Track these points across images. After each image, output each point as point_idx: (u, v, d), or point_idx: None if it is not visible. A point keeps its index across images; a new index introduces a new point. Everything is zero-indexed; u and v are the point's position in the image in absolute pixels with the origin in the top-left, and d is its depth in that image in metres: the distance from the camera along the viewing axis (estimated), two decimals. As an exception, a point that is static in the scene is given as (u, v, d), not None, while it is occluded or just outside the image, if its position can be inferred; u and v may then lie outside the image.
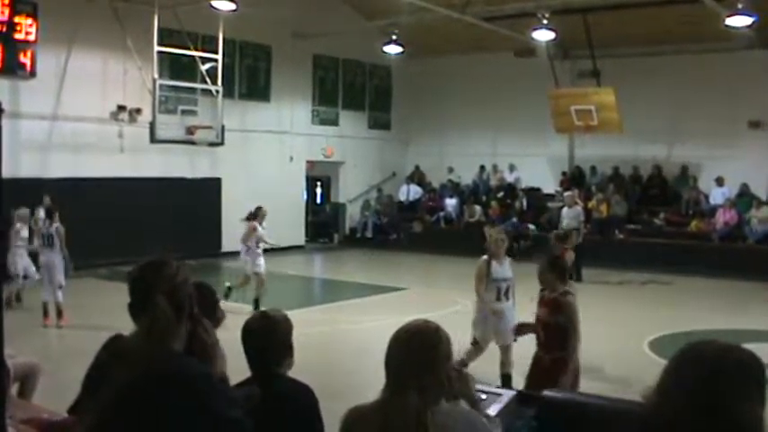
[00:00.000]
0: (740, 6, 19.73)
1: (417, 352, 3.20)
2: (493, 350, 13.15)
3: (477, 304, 11.26)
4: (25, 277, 16.39)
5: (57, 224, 15.48)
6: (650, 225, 26.43)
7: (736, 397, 2.39)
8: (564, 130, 26.72)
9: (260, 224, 17.44)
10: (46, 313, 14.96)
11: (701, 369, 2.46)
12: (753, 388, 2.44)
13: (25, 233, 16.53)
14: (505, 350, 10.86)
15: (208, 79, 23.54)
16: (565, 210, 22.99)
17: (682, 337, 14.13)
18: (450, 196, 30.30)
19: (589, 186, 28.10)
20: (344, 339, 14.59)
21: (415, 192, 31.54)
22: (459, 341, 12.79)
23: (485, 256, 11.16)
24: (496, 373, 10.54)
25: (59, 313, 14.97)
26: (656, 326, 15.29)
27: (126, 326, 3.25)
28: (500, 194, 29.67)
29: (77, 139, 21.97)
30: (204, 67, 23.62)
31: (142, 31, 21.79)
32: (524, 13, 23.57)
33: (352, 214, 31.27)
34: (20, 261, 16.29)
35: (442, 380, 3.20)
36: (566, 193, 23.81)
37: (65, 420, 5.32)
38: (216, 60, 23.44)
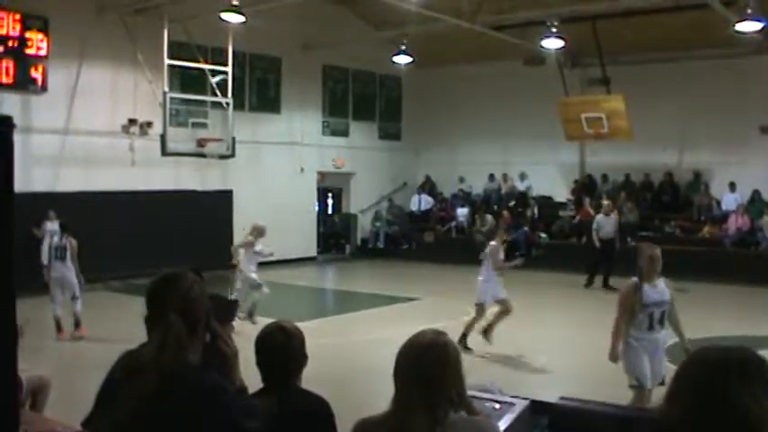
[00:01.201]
0: (749, 12, 19.71)
1: (426, 369, 3.16)
2: (500, 359, 13.16)
3: (612, 336, 9.69)
4: None
5: (69, 237, 15.49)
6: (662, 232, 26.37)
7: (742, 394, 2.44)
8: (574, 137, 26.70)
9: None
10: (59, 328, 14.96)
11: (706, 369, 2.52)
12: (758, 384, 2.49)
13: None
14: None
15: (218, 92, 23.61)
16: (601, 217, 22.86)
17: (695, 343, 14.05)
18: (462, 206, 30.31)
19: (600, 194, 28.05)
20: (357, 350, 14.57)
21: (426, 202, 31.54)
22: (476, 348, 12.83)
23: (634, 278, 9.44)
24: (509, 381, 10.50)
25: (77, 324, 14.99)
26: (668, 333, 15.21)
27: (139, 338, 3.26)
28: (511, 203, 29.65)
29: (89, 152, 22.01)
30: (214, 80, 23.69)
31: (152, 45, 21.89)
32: (533, 22, 23.63)
33: (364, 225, 31.27)
34: None
35: (451, 394, 3.17)
36: (604, 202, 23.58)
37: (77, 433, 5.33)
38: (226, 73, 23.51)
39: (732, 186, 25.89)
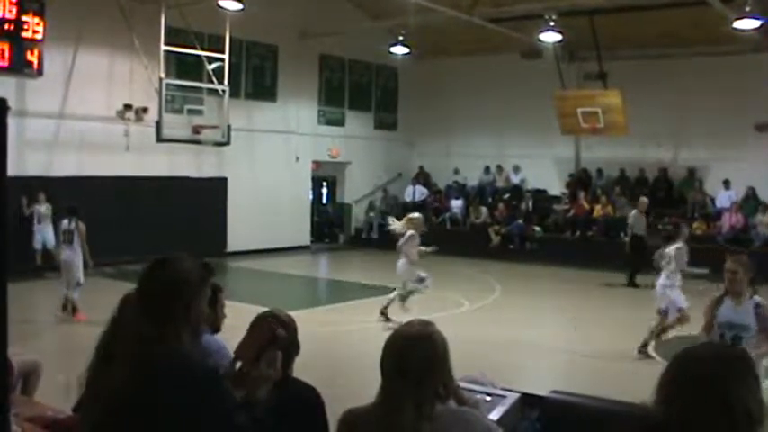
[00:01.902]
0: (748, 9, 19.71)
1: (412, 360, 3.14)
2: (492, 351, 13.19)
3: None
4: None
5: (78, 222, 15.47)
6: (656, 227, 26.39)
7: (742, 389, 2.47)
8: (570, 131, 26.70)
9: None
10: (74, 309, 15.11)
11: (706, 366, 2.53)
12: (752, 380, 2.54)
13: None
14: None
15: (214, 79, 23.55)
16: (636, 214, 22.43)
17: (688, 339, 14.10)
18: (456, 197, 30.30)
19: (595, 189, 28.10)
20: (348, 340, 14.58)
21: (420, 192, 31.52)
22: (465, 341, 12.84)
23: (721, 291, 8.28)
24: (500, 374, 10.51)
25: (74, 310, 15.02)
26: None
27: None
28: (506, 196, 29.68)
29: (84, 137, 21.97)
30: (210, 67, 23.63)
31: (149, 31, 21.82)
32: (531, 15, 23.58)
33: (358, 215, 31.27)
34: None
35: (437, 385, 3.16)
36: (641, 198, 23.13)
37: (69, 418, 5.32)
38: (222, 60, 23.44)
39: (726, 184, 25.92)
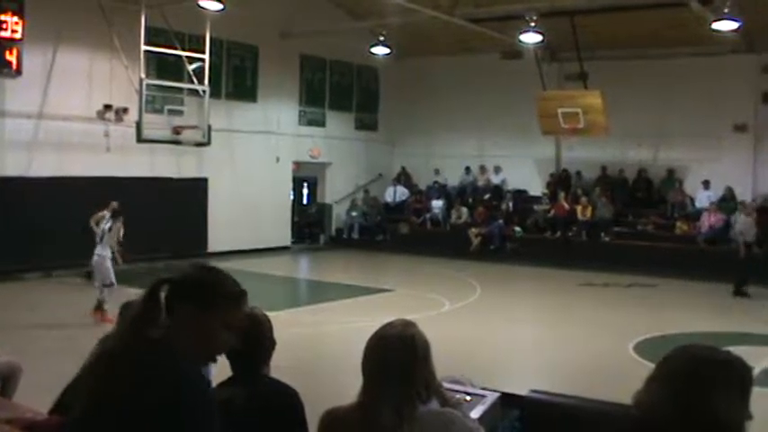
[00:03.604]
0: (726, 11, 19.81)
1: (393, 361, 3.14)
2: (473, 351, 13.24)
3: None
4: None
5: (115, 222, 15.70)
6: (636, 228, 26.51)
7: (717, 395, 2.44)
8: (551, 132, 26.73)
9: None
10: (97, 307, 14.92)
11: (684, 366, 2.52)
12: (736, 389, 2.49)
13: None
14: None
15: (194, 79, 23.49)
16: (744, 218, 21.37)
17: (667, 339, 14.18)
18: (437, 198, 30.31)
19: (576, 189, 28.18)
20: (329, 341, 14.57)
21: (401, 193, 31.54)
22: (445, 341, 12.82)
23: None
24: (481, 374, 10.53)
25: (97, 310, 14.80)
26: (641, 328, 15.33)
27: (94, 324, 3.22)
28: (486, 196, 29.72)
29: (63, 137, 21.84)
30: (191, 67, 23.57)
31: (129, 30, 21.74)
32: (512, 16, 23.62)
33: (339, 215, 31.25)
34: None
35: (418, 386, 3.15)
36: (747, 202, 22.44)
37: (48, 420, 5.29)
38: (203, 60, 23.38)
39: (706, 184, 26.05)
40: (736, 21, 20.21)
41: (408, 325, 3.28)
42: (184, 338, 2.92)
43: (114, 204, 16.78)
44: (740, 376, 2.52)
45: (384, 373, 3.12)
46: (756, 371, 11.92)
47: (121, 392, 2.81)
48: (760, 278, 20.45)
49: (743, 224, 20.80)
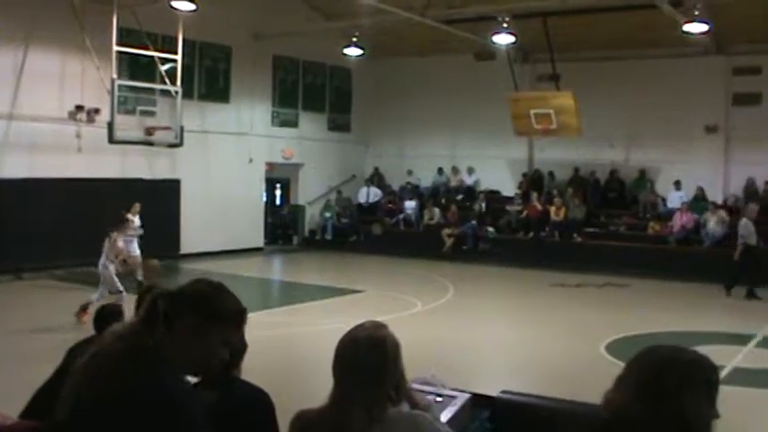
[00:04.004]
0: (697, 13, 19.95)
1: (363, 362, 3.14)
2: (445, 352, 13.26)
3: None
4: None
5: (115, 230, 15.53)
6: (608, 228, 26.63)
7: (684, 394, 2.46)
8: (523, 133, 26.82)
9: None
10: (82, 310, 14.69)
11: (651, 366, 2.54)
12: (702, 388, 2.52)
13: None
14: None
15: (167, 80, 23.42)
16: (746, 222, 20.71)
17: (639, 339, 14.25)
18: (410, 198, 30.32)
19: (549, 190, 28.29)
20: (301, 342, 14.54)
21: (374, 194, 31.54)
22: (417, 342, 12.84)
23: None
24: (452, 375, 10.55)
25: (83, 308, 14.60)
26: (613, 328, 15.41)
27: (84, 330, 3.21)
28: (459, 197, 29.77)
29: (34, 138, 21.68)
30: (163, 68, 23.49)
31: (101, 31, 21.61)
32: (484, 17, 23.67)
33: (312, 216, 31.22)
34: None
35: (388, 387, 3.15)
36: (751, 205, 21.87)
37: (18, 424, 5.26)
38: (175, 61, 23.32)
39: (677, 184, 26.22)
40: (706, 23, 20.36)
41: (379, 326, 3.28)
42: (180, 349, 2.91)
43: (123, 212, 16.81)
44: (707, 376, 2.55)
45: (354, 375, 3.13)
46: (727, 369, 12.05)
47: (107, 397, 2.79)
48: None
49: (744, 227, 20.51)
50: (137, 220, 18.33)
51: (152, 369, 2.83)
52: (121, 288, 15.00)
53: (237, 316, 3.10)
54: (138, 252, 18.29)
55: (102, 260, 15.29)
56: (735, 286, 20.20)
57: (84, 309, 14.60)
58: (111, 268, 15.23)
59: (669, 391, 2.46)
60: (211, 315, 2.99)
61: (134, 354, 2.86)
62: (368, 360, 3.13)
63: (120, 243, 15.82)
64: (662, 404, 2.46)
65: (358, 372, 3.12)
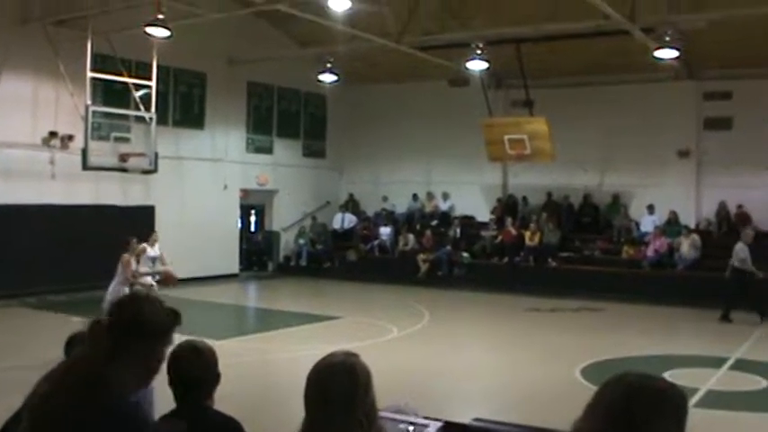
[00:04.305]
0: (668, 39, 20.12)
1: (332, 390, 3.13)
2: (419, 379, 13.24)
3: None
4: None
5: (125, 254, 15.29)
6: (583, 253, 26.72)
7: (653, 423, 2.45)
8: (497, 158, 26.93)
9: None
10: None
11: (620, 395, 2.52)
12: (671, 416, 2.50)
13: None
14: None
15: (141, 106, 23.35)
16: (742, 246, 20.55)
17: (614, 363, 14.29)
18: (385, 225, 30.33)
19: (523, 215, 28.39)
20: (275, 370, 14.47)
21: (349, 220, 31.51)
22: (392, 368, 12.83)
23: None
24: (426, 402, 10.53)
25: None
26: (588, 353, 15.43)
27: (55, 359, 3.20)
28: (434, 222, 29.80)
29: (8, 165, 21.56)
30: (138, 94, 23.43)
31: (75, 57, 21.55)
32: (459, 44, 23.79)
33: (287, 242, 31.15)
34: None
35: (359, 416, 3.15)
36: (746, 230, 21.55)
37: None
38: (149, 87, 23.26)
39: (650, 209, 26.36)
40: (677, 49, 20.54)
41: (350, 355, 3.29)
42: (124, 370, 3.00)
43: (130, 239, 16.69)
44: (675, 405, 2.54)
45: (325, 404, 3.13)
46: (701, 392, 12.10)
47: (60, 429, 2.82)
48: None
49: (741, 251, 20.38)
50: (154, 251, 17.92)
51: (103, 396, 2.90)
52: None
53: (170, 324, 3.25)
54: (151, 282, 17.83)
55: (114, 285, 15.10)
56: (732, 310, 20.02)
57: None
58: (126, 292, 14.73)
59: (638, 421, 2.46)
60: (151, 334, 3.15)
61: (84, 385, 2.93)
62: (338, 389, 3.14)
63: (134, 265, 15.58)
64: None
65: (328, 400, 3.13)
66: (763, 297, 19.99)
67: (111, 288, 15.11)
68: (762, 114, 24.80)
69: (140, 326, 3.13)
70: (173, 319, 3.28)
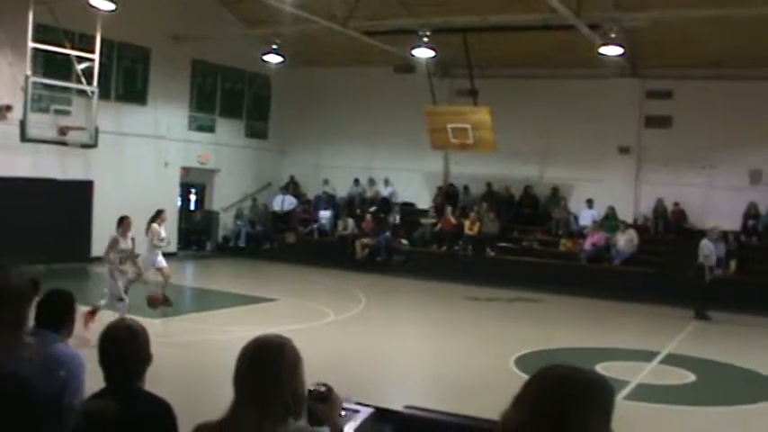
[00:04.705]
0: (613, 36, 20.31)
1: (260, 369, 3.16)
2: (353, 364, 13.25)
3: None
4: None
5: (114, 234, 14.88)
6: (521, 244, 26.88)
7: (579, 415, 2.45)
8: (440, 146, 27.00)
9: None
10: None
11: (548, 387, 2.52)
12: (598, 410, 2.51)
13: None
14: None
15: (83, 79, 23.03)
16: (707, 242, 20.72)
17: (548, 354, 14.42)
18: (325, 208, 30.29)
19: (463, 204, 28.50)
20: (210, 351, 14.30)
21: (289, 202, 31.40)
22: (326, 352, 12.83)
23: None
24: (359, 387, 10.54)
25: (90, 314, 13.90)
26: (523, 343, 15.54)
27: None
28: (374, 208, 29.78)
29: (-59, 134, 21.22)
30: (80, 67, 23.10)
31: (15, 26, 21.17)
32: (405, 30, 23.79)
33: (226, 223, 30.97)
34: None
35: (286, 398, 3.16)
36: (713, 228, 21.72)
37: None
38: (92, 60, 22.96)
39: (590, 203, 26.62)
40: (621, 46, 20.75)
41: (279, 337, 3.30)
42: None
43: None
44: (602, 397, 2.55)
45: (252, 383, 3.13)
46: (632, 385, 12.28)
47: None
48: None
49: (706, 247, 20.60)
50: (163, 231, 17.59)
51: None
52: (124, 296, 14.42)
53: (29, 288, 3.40)
54: (165, 264, 17.48)
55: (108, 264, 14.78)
56: (706, 308, 20.19)
57: (92, 313, 13.99)
58: (115, 272, 14.65)
59: (566, 413, 2.47)
60: (15, 300, 3.27)
61: None
62: (265, 368, 3.15)
63: (123, 244, 15.18)
64: (557, 426, 2.47)
65: (254, 377, 3.14)
66: (708, 296, 20.18)
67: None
68: (701, 114, 25.15)
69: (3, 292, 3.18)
70: (32, 287, 3.40)
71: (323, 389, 3.64)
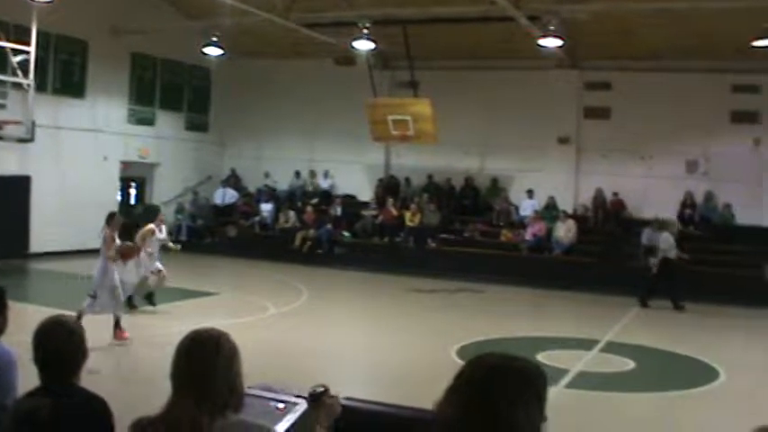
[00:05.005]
0: (552, 28, 20.47)
1: (196, 362, 3.16)
2: (294, 357, 13.25)
3: None
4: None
5: (107, 230, 14.55)
6: (462, 235, 27.01)
7: (511, 403, 2.47)
8: (380, 139, 27.03)
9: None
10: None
11: (480, 376, 2.54)
12: (531, 398, 2.53)
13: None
14: None
15: (19, 72, 22.65)
16: (666, 235, 20.97)
17: (489, 344, 14.51)
18: (266, 201, 30.18)
19: (404, 196, 28.56)
20: (148, 346, 14.15)
21: (230, 195, 31.25)
22: (266, 346, 12.79)
23: None
24: (299, 380, 10.52)
25: (115, 327, 13.76)
26: (465, 333, 15.63)
27: None
28: (315, 200, 29.73)
29: None
30: (15, 59, 22.72)
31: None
32: (346, 22, 23.77)
33: (167, 216, 30.67)
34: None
35: (223, 391, 3.16)
36: (671, 219, 22.11)
37: None
38: (28, 52, 22.59)
39: (530, 193, 26.84)
40: (560, 38, 20.92)
41: (216, 330, 3.29)
42: None
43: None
44: (534, 384, 2.57)
45: (188, 376, 3.13)
46: (571, 373, 12.41)
47: None
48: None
49: (665, 241, 20.78)
50: (162, 233, 17.39)
51: None
52: (96, 293, 13.99)
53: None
54: (161, 267, 17.27)
55: (101, 263, 14.38)
56: (651, 298, 20.57)
57: (117, 325, 13.79)
58: (101, 269, 14.30)
59: (499, 402, 2.49)
60: None
61: None
62: (201, 361, 3.15)
63: (119, 241, 14.91)
64: (491, 414, 2.48)
65: (191, 372, 3.13)
66: (681, 287, 20.43)
67: (97, 268, 14.43)
68: (638, 106, 25.50)
69: None
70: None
71: (320, 389, 3.69)
